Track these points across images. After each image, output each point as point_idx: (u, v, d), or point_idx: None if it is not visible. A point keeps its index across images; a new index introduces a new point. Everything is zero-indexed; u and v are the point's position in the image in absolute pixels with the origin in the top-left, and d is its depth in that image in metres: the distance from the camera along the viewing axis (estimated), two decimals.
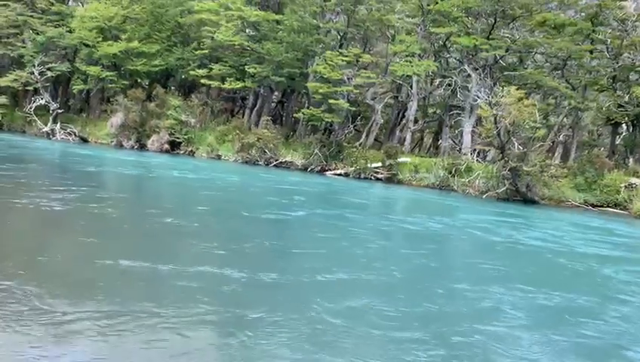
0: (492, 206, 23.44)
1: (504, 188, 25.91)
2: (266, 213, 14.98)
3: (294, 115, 39.39)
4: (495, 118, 23.99)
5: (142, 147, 34.01)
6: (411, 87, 35.73)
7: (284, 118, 42.62)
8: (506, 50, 31.87)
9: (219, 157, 33.90)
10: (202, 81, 36.29)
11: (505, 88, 25.40)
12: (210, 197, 18.20)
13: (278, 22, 34.99)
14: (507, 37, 32.01)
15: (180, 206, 15.77)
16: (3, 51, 36.87)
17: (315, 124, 37.19)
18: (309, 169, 32.47)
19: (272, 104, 41.94)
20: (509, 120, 23.46)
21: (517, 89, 25.56)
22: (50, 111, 35.21)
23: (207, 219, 13.59)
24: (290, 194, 20.65)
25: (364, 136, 35.95)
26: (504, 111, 23.67)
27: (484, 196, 26.66)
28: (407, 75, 34.39)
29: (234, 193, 20.45)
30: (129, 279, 7.45)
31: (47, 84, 36.39)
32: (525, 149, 24.55)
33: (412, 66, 32.49)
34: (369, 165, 31.50)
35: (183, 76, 39.82)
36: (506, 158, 24.49)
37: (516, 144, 24.14)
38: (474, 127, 32.23)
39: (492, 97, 24.48)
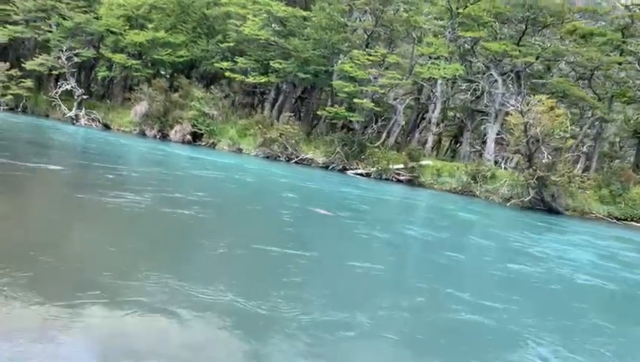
0: (525, 216, 23.17)
1: (529, 197, 25.72)
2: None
3: (315, 111, 39.35)
4: (525, 126, 23.80)
5: (164, 137, 34.06)
6: (434, 89, 35.58)
7: (302, 114, 42.56)
8: (536, 58, 31.60)
9: (240, 150, 33.89)
10: (226, 73, 36.25)
11: (535, 96, 25.14)
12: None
13: (305, 18, 34.87)
14: (538, 44, 31.73)
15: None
16: (30, 35, 36.98)
17: (335, 122, 37.12)
18: (330, 167, 32.40)
19: (292, 100, 41.87)
20: (540, 129, 23.26)
21: (547, 98, 25.32)
22: (75, 97, 35.32)
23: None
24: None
25: (384, 136, 35.83)
26: (535, 120, 23.46)
27: (507, 204, 26.49)
28: (432, 78, 34.25)
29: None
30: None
31: (73, 70, 36.48)
32: (553, 159, 24.33)
33: (439, 69, 32.28)
34: (391, 166, 31.40)
35: (206, 68, 39.83)
36: (534, 167, 24.29)
37: (545, 153, 23.93)
38: (498, 133, 32.02)
39: (523, 105, 24.25)
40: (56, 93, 35.14)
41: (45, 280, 6.23)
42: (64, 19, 36.26)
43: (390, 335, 6.47)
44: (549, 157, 24.03)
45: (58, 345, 4.83)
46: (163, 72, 40.72)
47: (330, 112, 33.54)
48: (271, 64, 35.05)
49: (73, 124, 34.49)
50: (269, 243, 10.17)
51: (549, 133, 23.71)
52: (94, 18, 36.46)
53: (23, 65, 35.98)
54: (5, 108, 34.87)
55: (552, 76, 34.90)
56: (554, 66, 35.42)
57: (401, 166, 31.43)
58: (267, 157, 32.66)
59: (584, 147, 34.24)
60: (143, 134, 34.34)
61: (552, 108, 23.73)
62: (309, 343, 5.81)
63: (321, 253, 10.46)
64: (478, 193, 28.60)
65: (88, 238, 8.77)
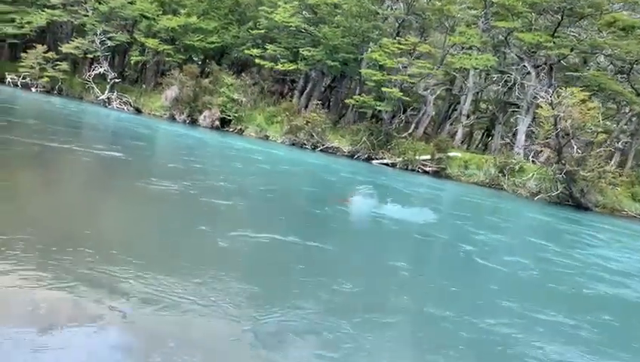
0: (556, 212, 22.60)
1: (557, 192, 25.11)
2: None
3: (344, 100, 39.16)
4: (555, 119, 23.17)
5: (193, 122, 34.47)
6: (466, 80, 34.97)
7: (331, 103, 42.42)
8: (571, 50, 30.64)
9: (267, 137, 34.05)
10: (256, 60, 36.40)
11: (567, 89, 24.41)
12: None
13: (336, 5, 34.64)
14: (573, 36, 30.76)
15: None
16: (67, 19, 37.80)
17: (363, 111, 36.88)
18: (355, 156, 32.29)
19: (322, 88, 41.76)
20: (570, 122, 22.61)
21: (580, 91, 24.57)
22: (108, 80, 36.03)
23: None
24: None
25: (413, 126, 35.42)
26: (565, 113, 22.81)
27: (535, 198, 25.93)
28: (463, 68, 33.66)
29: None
30: None
31: (107, 54, 37.19)
32: (584, 153, 23.65)
33: (471, 59, 31.68)
34: (417, 157, 31.09)
35: (237, 55, 40.05)
36: (562, 161, 23.68)
37: (575, 147, 23.27)
38: (529, 126, 31.30)
39: (553, 97, 23.60)
40: (89, 76, 35.91)
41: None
42: (99, 3, 36.93)
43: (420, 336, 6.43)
44: (579, 151, 23.35)
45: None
46: (195, 58, 41.13)
47: (357, 101, 33.36)
48: (300, 51, 35.03)
49: (105, 106, 35.22)
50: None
51: (580, 127, 23.03)
52: (128, 3, 36.96)
53: (59, 48, 36.89)
54: (42, 89, 35.81)
55: (588, 69, 33.83)
56: (591, 59, 34.30)
57: (428, 157, 31.09)
58: (293, 144, 32.74)
59: (619, 143, 33.15)
60: (172, 119, 34.82)
61: (583, 102, 23.03)
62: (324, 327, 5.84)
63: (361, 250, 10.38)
64: (505, 186, 28.08)
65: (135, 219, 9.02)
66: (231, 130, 34.70)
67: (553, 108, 23.23)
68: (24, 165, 12.03)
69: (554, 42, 30.31)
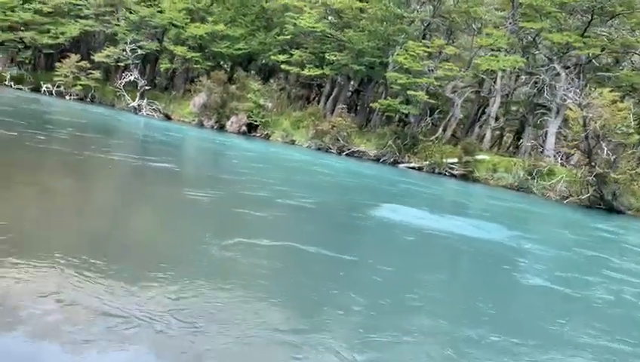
0: (586, 216, 21.99)
1: (587, 195, 24.53)
2: None
3: (370, 104, 39.13)
4: (584, 120, 22.66)
5: (221, 128, 34.95)
6: (495, 82, 34.52)
7: (358, 107, 42.41)
8: (602, 50, 29.94)
9: (293, 142, 34.26)
10: (282, 66, 36.71)
11: (597, 90, 23.85)
12: None
13: (361, 10, 34.71)
14: (604, 35, 30.05)
15: None
16: (99, 28, 38.92)
17: (390, 115, 36.75)
18: (381, 160, 32.20)
19: (348, 93, 41.81)
20: (600, 123, 22.08)
21: (610, 91, 23.97)
22: (138, 88, 36.86)
23: None
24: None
25: (440, 130, 35.11)
26: (595, 114, 22.29)
27: (565, 201, 25.38)
28: (492, 70, 33.24)
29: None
30: None
31: (137, 62, 38.09)
32: (615, 156, 23.04)
33: (498, 61, 31.27)
34: (444, 160, 30.81)
35: (264, 61, 40.47)
36: (592, 164, 23.12)
37: (605, 149, 22.69)
38: (559, 128, 30.68)
39: (583, 98, 23.09)
40: (121, 83, 36.82)
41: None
42: (130, 12, 37.91)
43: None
44: (609, 153, 22.75)
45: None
46: (222, 65, 41.73)
47: (382, 105, 33.29)
48: (326, 56, 35.18)
49: (136, 113, 36.03)
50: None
51: (610, 128, 22.45)
52: (158, 12, 37.83)
53: (92, 57, 37.97)
54: (75, 98, 36.89)
55: (621, 69, 32.99)
56: (623, 59, 33.42)
57: (455, 160, 30.78)
58: (319, 148, 32.85)
59: None
60: (201, 125, 35.39)
61: (613, 102, 22.46)
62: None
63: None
64: (534, 189, 27.57)
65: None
66: (257, 135, 35.04)
67: (582, 110, 22.72)
68: (82, 175, 12.49)
69: (584, 42, 29.69)
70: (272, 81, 39.10)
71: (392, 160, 32.04)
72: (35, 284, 5.38)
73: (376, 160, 32.21)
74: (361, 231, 11.98)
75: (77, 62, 36.69)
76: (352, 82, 41.15)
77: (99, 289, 5.54)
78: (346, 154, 32.44)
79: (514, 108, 41.92)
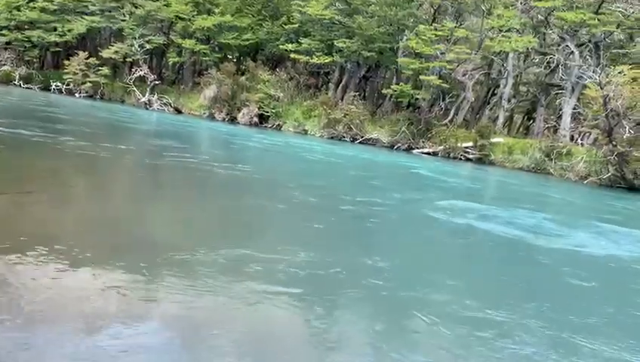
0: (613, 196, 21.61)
1: (608, 175, 24.33)
2: None
3: (380, 90, 38.82)
4: (605, 99, 22.39)
5: (232, 120, 34.84)
6: (505, 63, 34.16)
7: (367, 94, 42.13)
8: (617, 27, 29.50)
9: (305, 132, 34.12)
10: (291, 55, 36.45)
11: (617, 67, 23.54)
12: None
13: None
14: (620, 11, 29.61)
15: None
16: (106, 24, 38.74)
17: (400, 100, 36.49)
18: (395, 147, 32.03)
19: (357, 79, 41.51)
20: (621, 101, 21.81)
21: (630, 69, 23.66)
22: (148, 83, 36.74)
23: None
24: None
25: (452, 113, 34.85)
26: (615, 92, 22.02)
27: (585, 182, 25.20)
28: (503, 51, 32.89)
29: None
30: None
31: (145, 57, 37.93)
32: (636, 133, 22.80)
33: (510, 42, 30.90)
34: (459, 144, 30.61)
35: (271, 50, 40.21)
36: (614, 143, 22.90)
37: (627, 128, 22.44)
38: (574, 107, 30.37)
39: (602, 77, 22.80)
40: (130, 79, 36.72)
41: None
42: (136, 7, 37.68)
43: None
44: (631, 131, 22.52)
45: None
46: (230, 56, 41.51)
47: (395, 90, 33.04)
48: (335, 44, 34.89)
49: (146, 108, 35.97)
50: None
51: (632, 106, 22.19)
52: (164, 5, 37.61)
53: (100, 53, 37.84)
54: (85, 95, 36.82)
55: (634, 46, 32.54)
56: (638, 35, 32.96)
57: (470, 144, 30.58)
58: (332, 137, 32.70)
59: None
60: (212, 117, 35.29)
61: (634, 80, 22.17)
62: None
63: None
64: (552, 171, 27.38)
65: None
66: (269, 125, 34.91)
67: (602, 88, 22.45)
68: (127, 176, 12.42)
69: (598, 19, 29.26)
70: (279, 70, 38.83)
71: (406, 146, 31.86)
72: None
73: (390, 146, 32.04)
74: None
75: (85, 59, 36.58)
76: (360, 69, 40.86)
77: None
78: (360, 142, 32.27)
79: (523, 89, 41.54)
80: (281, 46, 37.02)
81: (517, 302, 6.87)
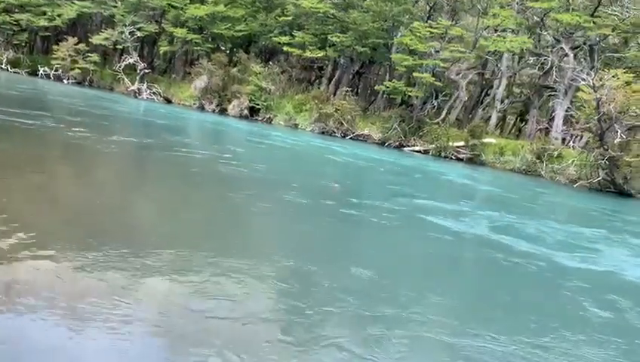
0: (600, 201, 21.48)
1: (598, 179, 24.19)
2: None
3: (373, 87, 38.49)
4: (597, 103, 22.21)
5: (222, 111, 34.38)
6: (499, 64, 33.97)
7: (359, 90, 41.80)
8: (612, 30, 29.36)
9: (296, 126, 33.76)
10: (284, 48, 36.02)
11: (610, 71, 23.35)
12: None
13: None
14: (615, 15, 29.45)
15: None
16: (96, 10, 38.07)
17: (393, 97, 36.21)
18: (386, 144, 31.75)
19: (350, 75, 41.16)
20: (614, 105, 21.64)
21: (624, 73, 23.50)
22: (138, 71, 36.16)
23: None
24: None
25: (445, 112, 34.62)
26: (608, 96, 21.84)
27: (575, 185, 25.05)
28: (496, 51, 32.68)
29: None
30: None
31: (136, 44, 37.33)
32: (628, 138, 22.66)
33: (505, 42, 30.68)
34: (451, 144, 30.39)
35: (264, 42, 39.75)
36: (605, 147, 22.74)
37: (619, 132, 22.28)
38: (567, 110, 30.23)
39: (595, 80, 22.61)
40: (119, 67, 36.12)
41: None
42: None
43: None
44: (623, 136, 22.37)
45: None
46: (223, 47, 41.00)
47: (388, 87, 32.74)
48: (329, 38, 34.52)
49: (136, 97, 35.40)
50: None
51: (624, 111, 22.03)
52: None
53: (90, 40, 37.19)
54: (73, 81, 36.18)
55: (629, 50, 32.44)
56: (632, 39, 32.85)
57: (462, 143, 30.37)
58: (322, 132, 32.36)
59: None
60: (202, 108, 34.82)
61: (628, 84, 22.00)
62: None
63: None
64: (543, 173, 27.23)
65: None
66: (260, 118, 34.50)
67: (595, 91, 22.27)
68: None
69: (594, 22, 29.10)
70: (272, 63, 38.40)
71: (397, 143, 31.59)
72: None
73: (381, 143, 31.75)
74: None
75: (74, 45, 35.93)
76: (353, 64, 40.52)
77: None
78: (351, 138, 31.96)
79: (517, 90, 41.39)
80: (274, 38, 36.58)
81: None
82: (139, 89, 35.91)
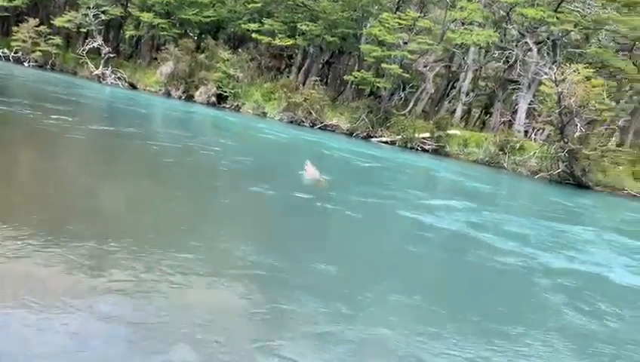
0: (561, 192, 22.16)
1: (558, 171, 24.91)
2: None
3: (342, 77, 38.55)
4: (559, 97, 22.82)
5: (189, 98, 33.92)
6: (466, 57, 34.45)
7: (329, 79, 41.80)
8: (575, 26, 30.10)
9: (264, 114, 33.59)
10: (253, 35, 35.69)
11: (572, 66, 24.00)
12: None
13: None
14: (578, 11, 30.19)
15: None
16: None
17: (362, 88, 36.37)
18: (354, 134, 31.91)
19: (319, 64, 41.12)
20: (574, 99, 22.28)
21: (584, 68, 24.17)
22: (102, 55, 35.30)
23: None
24: None
25: (412, 104, 34.96)
26: (569, 90, 22.46)
27: (536, 177, 25.74)
28: (464, 44, 33.13)
29: None
30: None
31: (101, 28, 36.38)
32: (587, 132, 23.38)
33: (472, 35, 31.13)
34: (417, 135, 30.77)
35: (233, 29, 39.27)
36: (565, 140, 23.41)
37: (578, 125, 22.96)
38: (530, 103, 30.94)
39: (557, 74, 23.20)
40: (83, 50, 35.19)
41: None
42: None
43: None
44: (582, 129, 23.07)
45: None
46: (190, 33, 40.35)
47: (356, 77, 32.86)
48: (298, 26, 34.36)
49: (100, 82, 34.57)
50: None
51: (584, 105, 22.71)
52: None
53: (52, 22, 36.08)
54: (34, 64, 35.09)
55: (590, 46, 33.33)
56: (593, 36, 33.75)
57: (427, 135, 30.78)
58: (291, 121, 32.29)
59: (620, 121, 32.82)
60: (168, 94, 34.27)
61: (588, 79, 22.67)
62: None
63: None
64: (505, 165, 27.87)
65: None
66: (228, 106, 34.18)
67: (557, 85, 22.87)
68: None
69: (557, 17, 29.78)
70: (241, 50, 38.02)
71: (365, 134, 31.79)
72: None
73: (349, 134, 31.91)
74: None
75: (35, 26, 34.81)
76: (323, 54, 40.47)
77: None
78: (319, 128, 32.00)
79: (482, 83, 42.09)
80: (243, 25, 36.20)
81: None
82: (103, 74, 35.07)
